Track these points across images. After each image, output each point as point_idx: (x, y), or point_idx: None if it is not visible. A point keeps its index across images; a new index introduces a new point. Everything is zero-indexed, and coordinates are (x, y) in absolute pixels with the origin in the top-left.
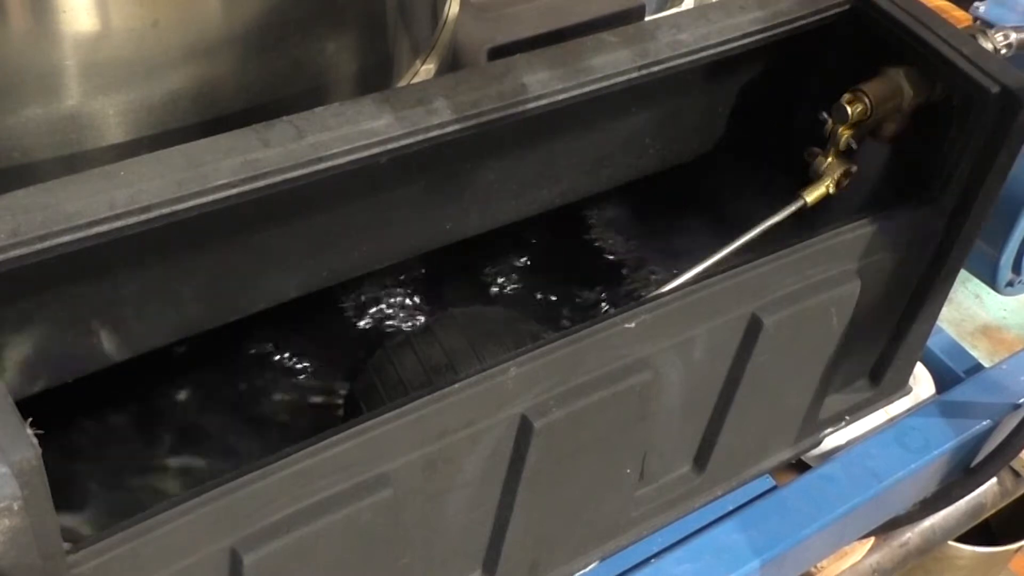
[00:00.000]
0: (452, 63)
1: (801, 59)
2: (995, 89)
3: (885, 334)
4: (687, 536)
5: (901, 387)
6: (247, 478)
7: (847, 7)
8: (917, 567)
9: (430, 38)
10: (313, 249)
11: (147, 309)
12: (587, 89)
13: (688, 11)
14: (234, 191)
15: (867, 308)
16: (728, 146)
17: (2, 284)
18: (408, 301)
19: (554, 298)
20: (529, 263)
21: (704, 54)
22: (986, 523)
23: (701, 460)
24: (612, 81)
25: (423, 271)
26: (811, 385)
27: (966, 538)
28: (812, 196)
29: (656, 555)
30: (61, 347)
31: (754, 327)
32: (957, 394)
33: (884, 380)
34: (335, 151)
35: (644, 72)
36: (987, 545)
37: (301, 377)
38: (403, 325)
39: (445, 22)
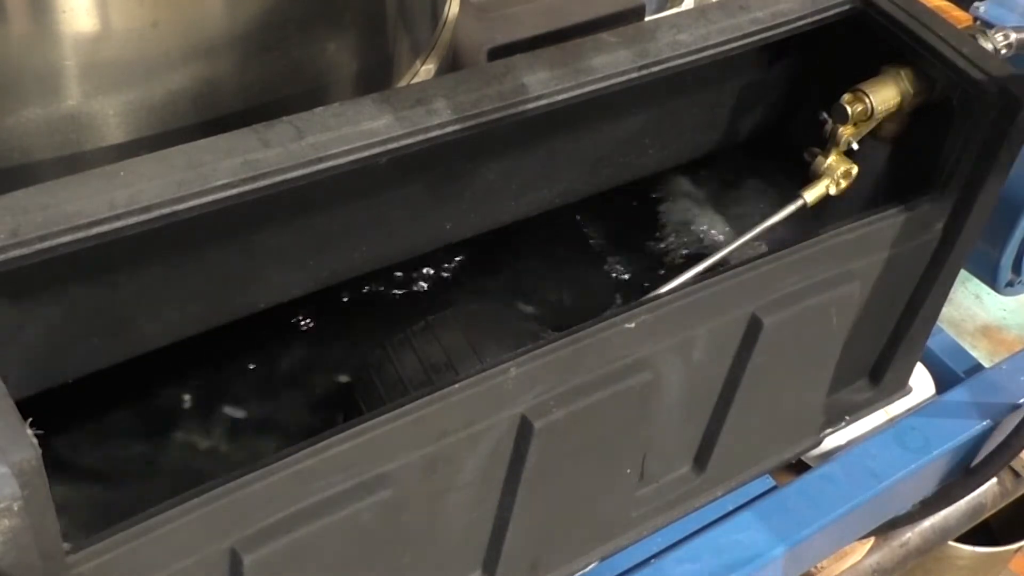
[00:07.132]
0: (452, 63)
1: (801, 59)
2: (995, 89)
3: (885, 334)
4: (687, 536)
5: (901, 387)
6: (247, 478)
7: (847, 7)
8: (917, 567)
9: (430, 38)
10: (313, 249)
11: (147, 309)
12: (587, 89)
13: (688, 11)
14: (234, 191)
15: (867, 308)
16: (728, 146)
17: (2, 284)
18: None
19: None
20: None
21: (704, 54)
22: (986, 523)
23: (701, 460)
24: (612, 81)
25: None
26: (811, 385)
27: (966, 538)
28: (812, 196)
29: (656, 555)
30: (61, 347)
31: (754, 327)
32: (957, 394)
33: (884, 380)
34: (335, 151)
35: (644, 72)
36: (987, 545)
37: None
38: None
39: (445, 22)
